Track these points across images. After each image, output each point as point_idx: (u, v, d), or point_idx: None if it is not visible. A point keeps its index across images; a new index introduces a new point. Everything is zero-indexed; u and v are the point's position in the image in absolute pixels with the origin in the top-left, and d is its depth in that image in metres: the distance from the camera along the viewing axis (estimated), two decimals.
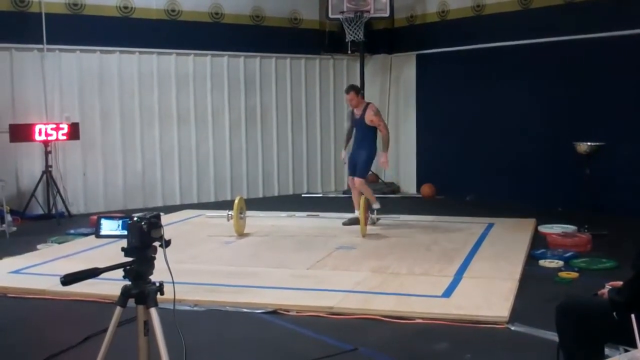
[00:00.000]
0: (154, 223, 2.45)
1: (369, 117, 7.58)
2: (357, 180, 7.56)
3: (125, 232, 2.48)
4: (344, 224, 7.72)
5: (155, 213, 2.53)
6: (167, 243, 2.50)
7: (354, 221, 7.56)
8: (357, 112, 7.70)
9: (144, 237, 2.44)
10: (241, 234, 7.37)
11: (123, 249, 2.48)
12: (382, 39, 11.47)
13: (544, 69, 9.17)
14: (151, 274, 2.54)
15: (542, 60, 9.19)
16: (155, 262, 2.59)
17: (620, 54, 8.31)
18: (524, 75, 9.40)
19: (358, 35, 10.65)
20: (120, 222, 2.51)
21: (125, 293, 2.53)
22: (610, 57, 8.41)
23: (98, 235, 2.58)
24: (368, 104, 7.79)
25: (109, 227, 2.53)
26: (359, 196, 7.52)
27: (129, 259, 2.49)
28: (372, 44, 11.26)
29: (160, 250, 2.53)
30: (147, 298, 2.51)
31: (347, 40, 10.81)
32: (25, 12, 8.86)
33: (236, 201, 7.37)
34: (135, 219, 2.45)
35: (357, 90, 7.87)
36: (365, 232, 7.22)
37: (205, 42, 10.23)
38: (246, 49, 10.64)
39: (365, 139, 7.64)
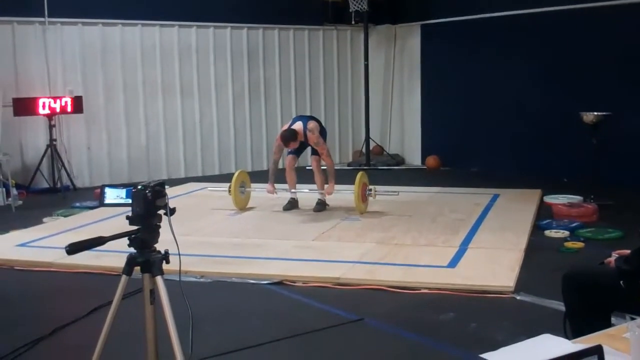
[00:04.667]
0: (159, 191, 2.44)
1: (313, 141, 7.03)
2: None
3: (130, 201, 2.46)
4: (285, 208, 7.24)
5: (159, 181, 2.52)
6: (172, 211, 2.49)
7: (295, 204, 7.36)
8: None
9: (148, 205, 2.42)
10: (243, 209, 7.33)
11: (128, 217, 2.47)
12: (386, 9, 11.33)
13: (551, 38, 9.06)
14: (156, 242, 2.53)
15: (548, 30, 9.08)
16: (161, 232, 2.58)
17: (628, 22, 8.20)
18: (530, 44, 9.30)
19: (362, 6, 10.54)
20: (124, 190, 2.49)
21: (131, 261, 2.52)
22: (618, 26, 8.31)
23: (102, 204, 2.57)
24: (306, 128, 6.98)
25: (113, 195, 2.51)
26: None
27: (134, 228, 2.47)
28: (376, 15, 11.14)
29: (165, 219, 2.51)
30: (153, 266, 2.50)
31: (350, 10, 10.72)
32: None
33: (235, 175, 7.30)
34: (139, 187, 2.43)
35: (294, 137, 6.97)
36: (364, 209, 6.97)
37: (207, 14, 10.14)
38: (249, 21, 10.55)
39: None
